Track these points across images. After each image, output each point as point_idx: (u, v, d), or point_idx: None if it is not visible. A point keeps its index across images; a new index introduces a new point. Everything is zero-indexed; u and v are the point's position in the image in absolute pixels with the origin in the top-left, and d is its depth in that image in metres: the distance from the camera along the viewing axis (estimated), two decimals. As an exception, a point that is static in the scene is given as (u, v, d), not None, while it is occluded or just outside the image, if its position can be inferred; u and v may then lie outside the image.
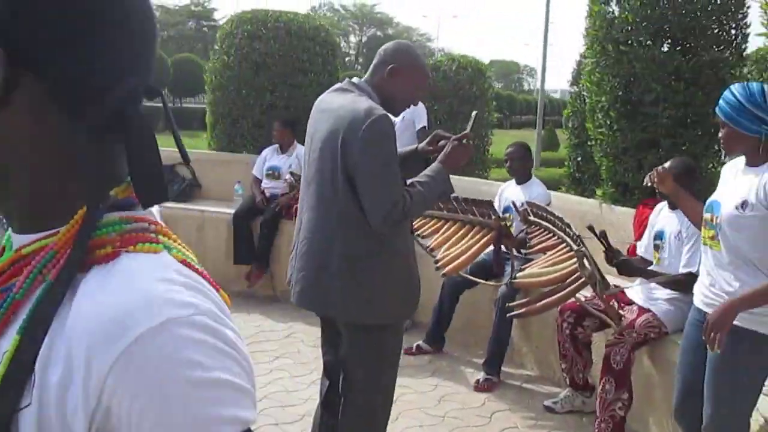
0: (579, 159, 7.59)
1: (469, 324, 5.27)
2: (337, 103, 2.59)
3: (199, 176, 7.11)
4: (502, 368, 4.68)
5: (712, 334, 2.52)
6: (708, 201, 2.85)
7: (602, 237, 3.65)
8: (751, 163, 2.69)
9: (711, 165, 5.14)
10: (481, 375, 4.54)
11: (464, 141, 2.70)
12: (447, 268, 4.21)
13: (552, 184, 10.49)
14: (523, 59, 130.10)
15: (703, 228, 2.84)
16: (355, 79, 2.72)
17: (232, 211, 6.33)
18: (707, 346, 2.60)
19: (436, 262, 4.25)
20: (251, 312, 5.87)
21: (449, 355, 5.06)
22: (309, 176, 2.66)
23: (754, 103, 2.61)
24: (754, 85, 2.66)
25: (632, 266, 3.74)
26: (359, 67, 58.21)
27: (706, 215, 2.80)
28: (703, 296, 2.83)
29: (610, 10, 5.06)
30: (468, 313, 5.23)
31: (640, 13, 4.83)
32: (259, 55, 7.13)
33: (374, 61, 2.71)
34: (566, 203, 5.49)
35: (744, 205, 2.59)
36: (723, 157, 5.47)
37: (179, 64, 27.29)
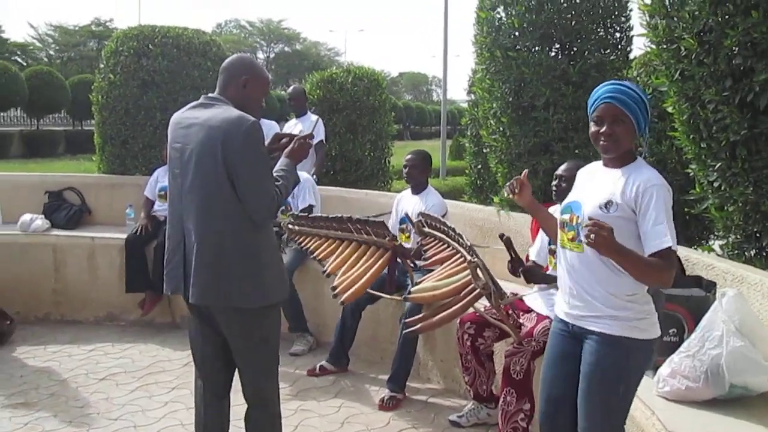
0: (479, 167, 7.63)
1: (374, 340, 5.15)
2: (204, 117, 2.82)
3: (88, 201, 6.77)
4: (408, 383, 4.57)
5: (595, 229, 2.26)
6: (564, 203, 2.71)
7: (508, 246, 3.58)
8: (615, 164, 2.58)
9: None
10: (386, 393, 4.41)
11: (306, 140, 3.12)
12: (345, 296, 4.07)
13: (457, 193, 10.57)
14: (431, 71, 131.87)
15: (560, 231, 2.68)
16: (211, 94, 2.93)
17: (124, 236, 6.03)
18: (584, 237, 2.35)
19: (333, 288, 4.11)
20: (147, 342, 5.60)
21: (354, 373, 4.92)
22: (186, 186, 2.84)
23: (649, 103, 2.58)
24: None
25: (537, 274, 3.68)
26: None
27: (564, 216, 2.65)
28: (567, 306, 2.65)
29: (498, 16, 5.05)
30: (372, 329, 5.11)
31: (526, 18, 4.84)
32: (146, 72, 6.83)
33: (223, 76, 2.94)
34: (465, 211, 5.45)
35: (608, 204, 2.49)
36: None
37: (78, 86, 26.31)
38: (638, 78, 6.20)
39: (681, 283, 3.34)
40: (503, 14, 5.06)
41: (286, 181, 2.97)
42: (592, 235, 2.25)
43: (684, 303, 3.16)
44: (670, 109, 4.14)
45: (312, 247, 4.55)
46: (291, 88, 7.16)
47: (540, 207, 3.07)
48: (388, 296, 4.33)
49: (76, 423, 4.09)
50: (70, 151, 25.69)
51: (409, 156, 4.99)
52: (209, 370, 3.09)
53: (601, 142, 2.55)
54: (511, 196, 2.99)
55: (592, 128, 2.58)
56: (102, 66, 7.15)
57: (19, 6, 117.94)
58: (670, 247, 2.39)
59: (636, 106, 2.51)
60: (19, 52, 41.20)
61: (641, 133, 2.57)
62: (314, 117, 6.69)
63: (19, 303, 5.90)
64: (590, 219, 2.32)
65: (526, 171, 3.07)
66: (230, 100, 2.88)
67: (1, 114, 28.46)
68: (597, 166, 2.69)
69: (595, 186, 2.60)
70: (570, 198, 2.71)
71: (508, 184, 2.99)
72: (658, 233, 2.39)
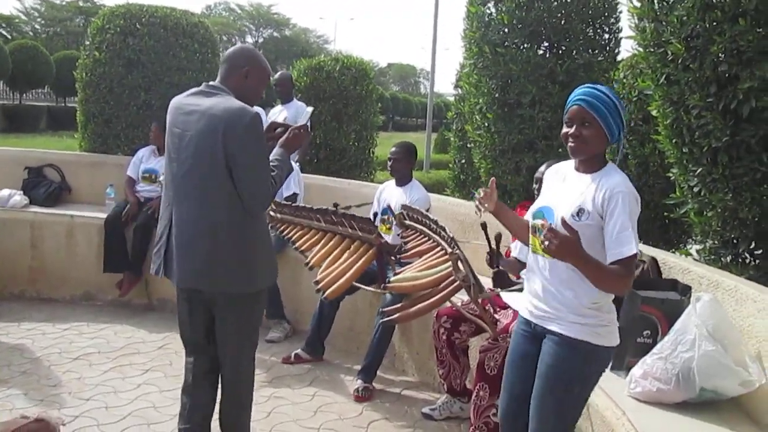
0: (463, 161, 7.65)
1: (351, 330, 5.15)
2: (205, 104, 2.89)
3: (68, 179, 6.70)
4: (383, 375, 4.58)
5: (551, 237, 2.26)
6: (536, 207, 2.66)
7: (496, 239, 3.59)
8: (587, 169, 2.55)
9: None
10: (359, 383, 4.42)
11: (300, 131, 3.17)
12: (328, 292, 4.05)
13: (440, 187, 10.58)
14: (420, 63, 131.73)
15: (531, 236, 2.65)
16: (212, 83, 3.00)
17: (104, 215, 5.97)
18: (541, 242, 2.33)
19: (317, 283, 4.09)
20: (123, 323, 5.56)
21: (329, 363, 4.92)
22: (182, 171, 2.91)
23: (622, 106, 2.55)
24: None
25: (505, 280, 3.69)
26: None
27: (536, 222, 2.59)
28: (532, 306, 2.65)
29: (488, 11, 5.05)
30: (349, 319, 5.11)
31: (516, 15, 4.85)
32: (132, 51, 6.77)
33: (225, 66, 3.02)
34: (447, 205, 5.45)
35: (580, 212, 2.47)
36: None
37: (63, 62, 26.04)
38: (625, 80, 6.24)
39: (657, 286, 3.38)
40: (493, 10, 5.07)
41: (281, 171, 3.02)
42: (546, 242, 2.26)
43: (659, 305, 3.19)
44: (654, 113, 4.17)
45: (294, 237, 4.53)
46: (278, 74, 7.09)
47: (508, 211, 2.96)
48: (368, 288, 4.33)
49: (47, 402, 4.06)
50: (51, 127, 25.46)
51: (393, 148, 4.97)
52: (200, 349, 3.17)
53: (570, 144, 2.53)
54: (479, 212, 2.90)
55: (563, 129, 2.56)
56: (87, 43, 7.07)
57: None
58: (633, 255, 2.39)
59: (607, 111, 2.47)
60: (4, 25, 40.65)
61: (614, 139, 2.53)
62: (305, 106, 6.66)
63: (-6, 279, 5.84)
64: (548, 227, 2.31)
65: (493, 179, 2.99)
66: (231, 90, 2.95)
67: (-17, 87, 28.13)
68: (568, 167, 2.66)
69: (567, 192, 2.56)
70: (541, 202, 2.68)
71: (476, 203, 2.88)
72: (622, 240, 2.38)
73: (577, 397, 2.57)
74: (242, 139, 2.79)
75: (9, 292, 5.99)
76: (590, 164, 2.55)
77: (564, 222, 2.32)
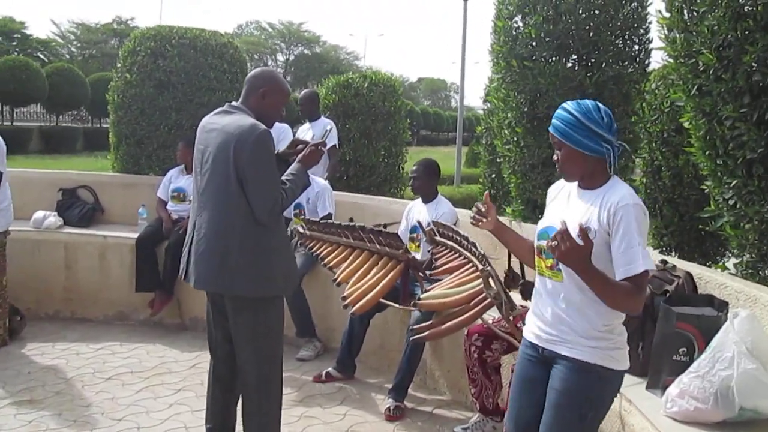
0: (494, 176, 7.59)
1: (382, 348, 5.12)
2: (223, 122, 3.18)
3: (102, 200, 6.79)
4: (414, 393, 4.53)
5: (561, 240, 2.17)
6: (541, 227, 2.57)
7: (509, 257, 3.53)
8: (588, 185, 2.47)
9: (623, 179, 5.13)
10: (390, 402, 4.38)
11: (318, 147, 3.39)
12: (356, 307, 4.04)
13: (471, 201, 10.50)
14: (450, 77, 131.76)
15: (537, 258, 2.57)
16: (234, 103, 3.29)
17: (136, 235, 6.03)
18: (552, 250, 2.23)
19: (344, 298, 4.08)
20: (155, 342, 5.60)
21: (360, 381, 4.89)
22: (203, 185, 3.19)
23: (591, 119, 2.40)
24: (588, 102, 2.45)
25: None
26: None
27: (541, 243, 2.52)
28: (539, 330, 2.54)
29: (515, 25, 5.01)
30: (380, 337, 5.08)
31: (544, 28, 4.80)
32: (163, 73, 6.84)
33: (246, 87, 3.30)
34: (477, 221, 5.40)
35: (587, 231, 2.31)
36: (630, 173, 5.50)
37: (98, 83, 26.53)
38: (657, 91, 6.15)
39: (693, 302, 3.29)
40: (520, 23, 5.02)
41: (294, 184, 3.24)
42: (554, 243, 2.18)
43: (695, 322, 3.10)
44: (686, 125, 4.09)
45: (323, 254, 4.53)
46: (302, 92, 7.12)
47: (508, 230, 2.89)
48: (397, 306, 4.30)
49: (80, 422, 4.09)
50: (88, 148, 25.90)
51: (414, 167, 4.93)
52: (220, 353, 3.42)
53: (558, 169, 2.51)
54: (478, 224, 2.83)
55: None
56: (119, 65, 7.17)
57: (43, 3, 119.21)
58: (644, 272, 2.29)
59: (570, 129, 2.38)
60: (41, 49, 41.58)
61: (597, 153, 2.39)
62: (327, 122, 6.67)
63: (30, 299, 5.92)
64: (562, 230, 2.19)
65: (486, 194, 2.94)
66: (251, 109, 3.22)
67: (22, 109, 28.70)
68: (572, 185, 2.56)
69: (571, 211, 2.46)
70: (546, 222, 2.58)
71: (472, 217, 2.84)
72: (631, 257, 2.28)
73: (590, 424, 2.47)
74: (250, 154, 3.04)
75: (44, 312, 6.07)
76: (590, 181, 2.46)
77: (582, 230, 2.21)
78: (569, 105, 2.45)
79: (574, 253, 2.17)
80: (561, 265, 2.39)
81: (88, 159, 20.93)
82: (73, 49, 48.87)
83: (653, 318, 3.34)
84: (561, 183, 2.64)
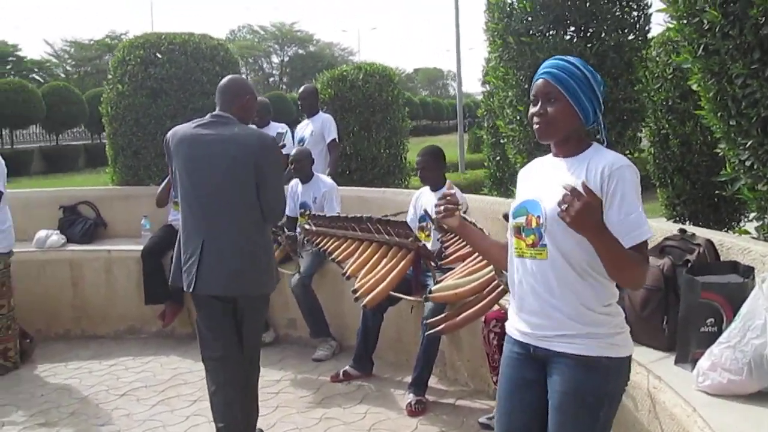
0: (498, 158, 7.47)
1: (398, 342, 5.01)
2: (228, 133, 3.26)
3: (103, 214, 6.69)
4: (435, 386, 4.42)
5: (570, 200, 1.90)
6: (515, 205, 2.28)
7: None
8: (566, 153, 2.21)
9: (628, 152, 5.01)
10: (411, 397, 4.27)
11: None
12: (367, 299, 3.95)
13: (477, 187, 10.39)
14: (446, 65, 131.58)
15: (515, 238, 2.25)
16: (220, 113, 3.33)
17: (141, 247, 5.93)
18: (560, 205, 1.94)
19: (355, 291, 3.98)
20: (168, 354, 5.51)
21: (379, 377, 4.78)
22: (207, 192, 3.26)
23: (597, 82, 2.19)
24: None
25: None
26: (284, 87, 57.75)
27: (519, 220, 2.22)
28: (525, 324, 2.25)
29: (509, 1, 4.89)
30: (396, 330, 4.97)
31: (539, 1, 4.67)
32: (155, 81, 6.74)
33: (225, 96, 3.36)
34: (486, 205, 5.28)
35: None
36: (638, 143, 5.36)
37: (95, 99, 26.45)
38: (658, 58, 6.02)
39: (716, 270, 3.16)
40: (514, -1, 4.89)
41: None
42: (565, 206, 1.89)
43: (721, 291, 2.96)
44: (694, 87, 3.95)
45: (330, 248, 4.44)
46: (302, 88, 7.04)
47: (473, 230, 2.64)
48: (409, 298, 4.20)
49: (96, 442, 4.00)
50: (90, 164, 25.85)
51: (419, 157, 4.80)
52: (220, 354, 3.44)
53: (535, 124, 2.20)
54: (438, 223, 2.53)
55: (530, 109, 2.23)
56: (110, 77, 7.07)
57: (36, 24, 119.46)
58: (647, 240, 2.09)
59: (576, 85, 2.14)
60: (36, 70, 41.56)
61: (590, 122, 2.19)
62: (331, 119, 6.59)
63: (39, 321, 5.83)
64: (570, 187, 1.90)
65: (449, 182, 2.66)
66: (237, 117, 3.33)
67: (21, 132, 28.67)
68: (544, 159, 2.33)
69: (550, 180, 2.19)
70: (520, 198, 2.29)
71: (435, 214, 2.47)
72: (635, 223, 2.06)
73: (604, 421, 2.20)
74: (271, 162, 3.30)
75: (54, 332, 5.98)
76: (568, 147, 2.21)
77: (585, 186, 1.91)
78: (572, 59, 2.23)
79: (590, 212, 1.89)
80: (547, 239, 2.15)
81: (90, 175, 20.88)
82: (68, 68, 48.82)
83: (676, 290, 3.23)
84: (530, 165, 2.40)
